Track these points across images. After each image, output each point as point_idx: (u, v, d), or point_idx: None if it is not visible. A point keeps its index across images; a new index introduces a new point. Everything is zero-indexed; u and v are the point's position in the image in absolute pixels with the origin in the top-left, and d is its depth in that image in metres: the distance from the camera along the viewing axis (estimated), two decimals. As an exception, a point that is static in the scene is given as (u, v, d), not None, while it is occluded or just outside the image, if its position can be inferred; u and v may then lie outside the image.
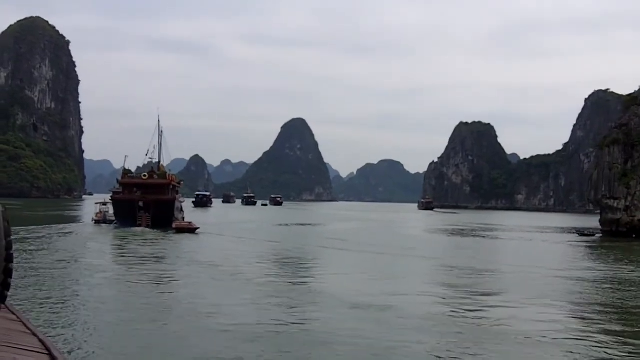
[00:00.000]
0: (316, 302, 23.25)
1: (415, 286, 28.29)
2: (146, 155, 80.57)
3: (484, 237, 71.03)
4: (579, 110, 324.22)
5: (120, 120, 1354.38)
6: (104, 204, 75.14)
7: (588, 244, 61.65)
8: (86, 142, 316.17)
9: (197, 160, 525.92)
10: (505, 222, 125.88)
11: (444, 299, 24.87)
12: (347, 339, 17.34)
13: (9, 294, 6.17)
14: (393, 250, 48.67)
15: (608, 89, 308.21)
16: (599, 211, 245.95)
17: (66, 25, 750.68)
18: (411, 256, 44.69)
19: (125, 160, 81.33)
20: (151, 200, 68.77)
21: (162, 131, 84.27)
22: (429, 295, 25.46)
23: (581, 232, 75.57)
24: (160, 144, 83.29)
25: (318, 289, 26.43)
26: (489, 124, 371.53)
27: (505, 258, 44.56)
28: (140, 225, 65.84)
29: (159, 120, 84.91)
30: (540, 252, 51.18)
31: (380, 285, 28.12)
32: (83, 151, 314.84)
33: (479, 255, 46.15)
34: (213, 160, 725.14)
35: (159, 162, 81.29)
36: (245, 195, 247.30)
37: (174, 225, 64.81)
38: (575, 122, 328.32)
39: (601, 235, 71.93)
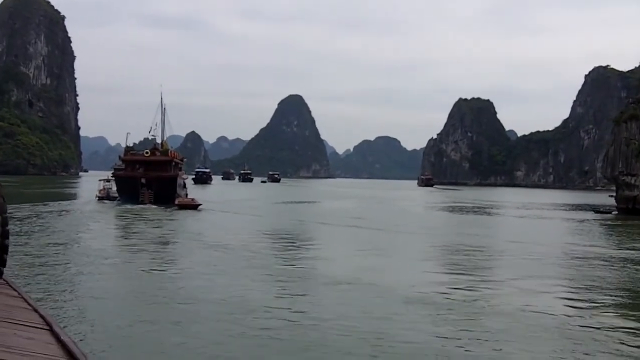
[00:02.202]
0: (357, 293, 20.45)
1: (469, 277, 25.72)
2: (149, 132, 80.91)
3: (499, 215, 69.07)
4: (576, 86, 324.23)
5: (115, 96, 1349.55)
6: (107, 180, 74.91)
7: (610, 222, 59.69)
8: (81, 118, 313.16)
9: (193, 137, 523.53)
10: (512, 198, 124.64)
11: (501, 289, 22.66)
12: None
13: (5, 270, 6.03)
14: (415, 230, 47.10)
15: (608, 65, 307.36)
16: (599, 188, 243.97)
17: (54, 1, 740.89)
18: (437, 235, 42.71)
19: (127, 138, 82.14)
20: (153, 177, 68.68)
21: (165, 108, 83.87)
22: (493, 288, 22.43)
23: (597, 210, 73.93)
24: (163, 121, 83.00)
25: (352, 277, 23.21)
26: (488, 100, 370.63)
27: (538, 237, 41.92)
28: (143, 202, 65.59)
29: (161, 98, 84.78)
30: (568, 232, 48.32)
31: (423, 274, 25.20)
32: (79, 127, 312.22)
33: (507, 235, 43.74)
34: (209, 136, 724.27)
35: (162, 139, 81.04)
36: (242, 172, 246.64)
37: (176, 202, 64.52)
38: (574, 98, 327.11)
39: (617, 212, 70.37)
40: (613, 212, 70.91)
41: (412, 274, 25.14)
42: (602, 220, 62.35)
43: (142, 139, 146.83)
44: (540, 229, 51.10)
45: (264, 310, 17.32)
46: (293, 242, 36.56)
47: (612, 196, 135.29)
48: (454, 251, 33.33)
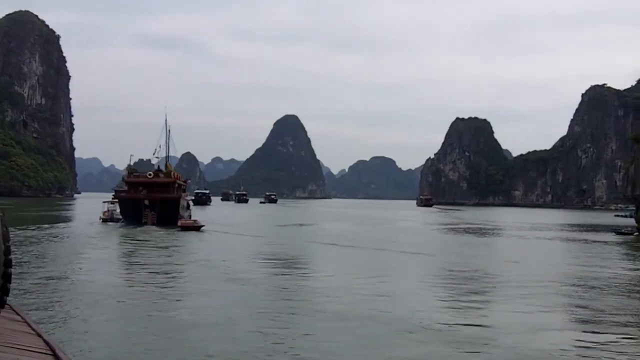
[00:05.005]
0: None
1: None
2: (153, 154, 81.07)
3: (520, 237, 65.50)
4: (569, 106, 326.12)
5: (109, 117, 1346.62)
6: (112, 202, 75.25)
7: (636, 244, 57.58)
8: (74, 139, 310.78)
9: (188, 158, 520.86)
10: (519, 219, 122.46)
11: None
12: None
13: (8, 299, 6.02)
14: (435, 253, 45.00)
15: (605, 84, 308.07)
16: (597, 207, 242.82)
17: (49, 21, 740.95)
18: (465, 260, 39.67)
19: (130, 159, 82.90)
20: (157, 199, 68.58)
21: (169, 130, 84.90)
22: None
23: (618, 231, 71.63)
24: (167, 143, 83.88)
25: (379, 311, 20.78)
26: (485, 119, 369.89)
27: (577, 262, 39.13)
28: (145, 223, 65.79)
29: (166, 120, 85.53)
30: (604, 255, 44.87)
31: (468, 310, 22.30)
32: (74, 149, 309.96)
33: (544, 260, 40.75)
34: (203, 157, 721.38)
35: (166, 161, 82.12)
36: (238, 192, 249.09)
37: (179, 223, 64.21)
38: (571, 117, 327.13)
39: (638, 233, 68.17)
40: (635, 234, 68.69)
41: (455, 310, 22.73)
42: (627, 241, 60.18)
43: (137, 160, 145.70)
44: (573, 253, 47.55)
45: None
46: (310, 270, 33.83)
47: (618, 215, 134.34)
48: (504, 280, 30.62)
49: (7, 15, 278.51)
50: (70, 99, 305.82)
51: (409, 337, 17.37)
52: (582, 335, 18.16)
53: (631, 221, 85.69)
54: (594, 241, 59.90)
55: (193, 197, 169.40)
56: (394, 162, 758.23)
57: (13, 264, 5.97)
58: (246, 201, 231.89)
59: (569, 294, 26.33)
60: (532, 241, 60.50)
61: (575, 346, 16.75)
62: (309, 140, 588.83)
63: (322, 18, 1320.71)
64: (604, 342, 17.29)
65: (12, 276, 6.01)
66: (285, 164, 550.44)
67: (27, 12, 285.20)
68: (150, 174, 74.16)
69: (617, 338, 17.79)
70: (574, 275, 32.00)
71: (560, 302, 23.98)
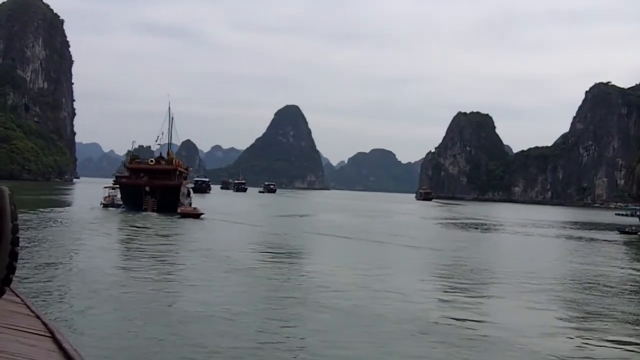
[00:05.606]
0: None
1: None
2: (156, 141, 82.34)
3: (523, 233, 64.77)
4: (572, 103, 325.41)
5: (109, 103, 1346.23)
6: (113, 188, 75.61)
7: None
8: (75, 124, 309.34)
9: (188, 145, 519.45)
10: (520, 215, 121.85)
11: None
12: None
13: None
14: (440, 247, 44.63)
15: (609, 82, 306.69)
16: (597, 205, 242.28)
17: (53, 5, 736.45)
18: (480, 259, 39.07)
19: (132, 145, 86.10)
20: (157, 185, 69.00)
21: (172, 118, 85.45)
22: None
23: (622, 230, 71.28)
24: (170, 131, 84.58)
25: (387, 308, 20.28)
26: (487, 114, 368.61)
27: (588, 261, 38.81)
28: (146, 210, 66.16)
29: (169, 108, 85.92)
30: (612, 255, 44.92)
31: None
32: (74, 133, 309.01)
33: (551, 258, 40.42)
34: (203, 145, 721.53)
35: (169, 148, 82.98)
36: (237, 181, 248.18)
37: (179, 210, 64.56)
38: (574, 114, 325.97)
39: (642, 232, 67.91)
40: (639, 233, 68.30)
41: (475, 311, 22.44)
42: (632, 241, 59.87)
43: (136, 147, 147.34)
44: (580, 251, 46.64)
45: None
46: (313, 263, 33.21)
47: (619, 214, 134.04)
48: (512, 278, 29.94)
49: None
50: (73, 83, 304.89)
51: (421, 337, 17.00)
52: (594, 337, 17.82)
53: (634, 220, 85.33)
54: (599, 240, 59.59)
55: (193, 185, 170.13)
56: (393, 154, 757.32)
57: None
58: (245, 190, 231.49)
59: (582, 294, 25.81)
60: (537, 238, 60.09)
61: (588, 348, 16.49)
62: (309, 131, 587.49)
63: (322, 11, 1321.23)
64: (613, 342, 17.10)
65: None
66: (285, 154, 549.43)
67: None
68: (152, 161, 74.58)
69: (628, 339, 17.56)
70: (585, 275, 31.61)
71: (572, 303, 23.56)
